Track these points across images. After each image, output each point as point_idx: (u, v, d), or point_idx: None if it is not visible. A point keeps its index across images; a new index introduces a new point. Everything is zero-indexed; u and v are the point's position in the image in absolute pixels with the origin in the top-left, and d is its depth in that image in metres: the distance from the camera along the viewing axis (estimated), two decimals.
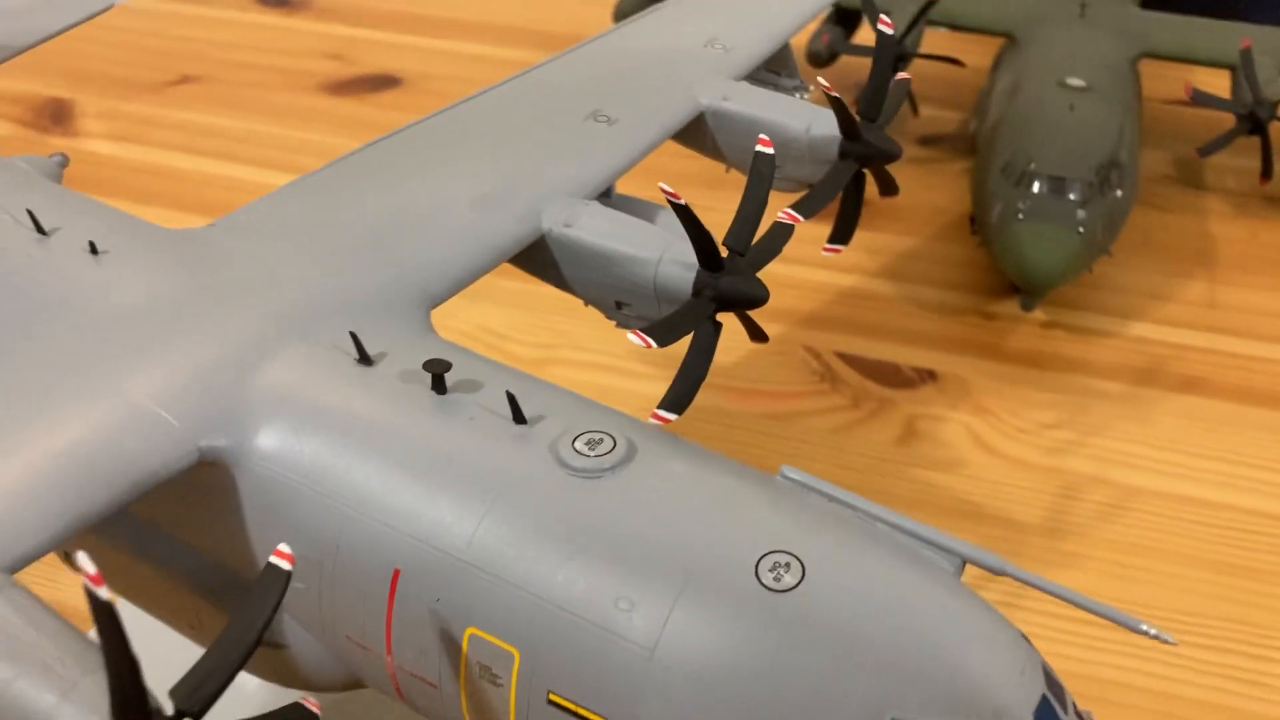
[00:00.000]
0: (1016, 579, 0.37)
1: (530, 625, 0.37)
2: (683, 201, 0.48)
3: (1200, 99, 1.06)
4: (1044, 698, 0.35)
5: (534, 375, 0.46)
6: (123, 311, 0.47)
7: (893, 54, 0.62)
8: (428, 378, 0.42)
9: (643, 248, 0.54)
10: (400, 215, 0.54)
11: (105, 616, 0.30)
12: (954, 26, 1.18)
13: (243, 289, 0.48)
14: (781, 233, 0.55)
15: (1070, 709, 0.36)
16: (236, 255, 0.51)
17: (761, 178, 0.53)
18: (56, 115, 1.24)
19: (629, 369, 0.88)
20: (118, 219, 0.54)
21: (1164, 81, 1.31)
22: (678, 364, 0.50)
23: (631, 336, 0.49)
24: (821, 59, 1.19)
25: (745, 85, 0.66)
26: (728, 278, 0.51)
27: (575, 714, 0.36)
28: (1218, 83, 1.16)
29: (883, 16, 0.61)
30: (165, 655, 0.37)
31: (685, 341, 0.50)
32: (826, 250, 0.63)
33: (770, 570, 0.35)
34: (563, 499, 0.38)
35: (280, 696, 0.37)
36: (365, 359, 0.44)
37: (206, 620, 0.46)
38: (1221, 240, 1.08)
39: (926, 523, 0.70)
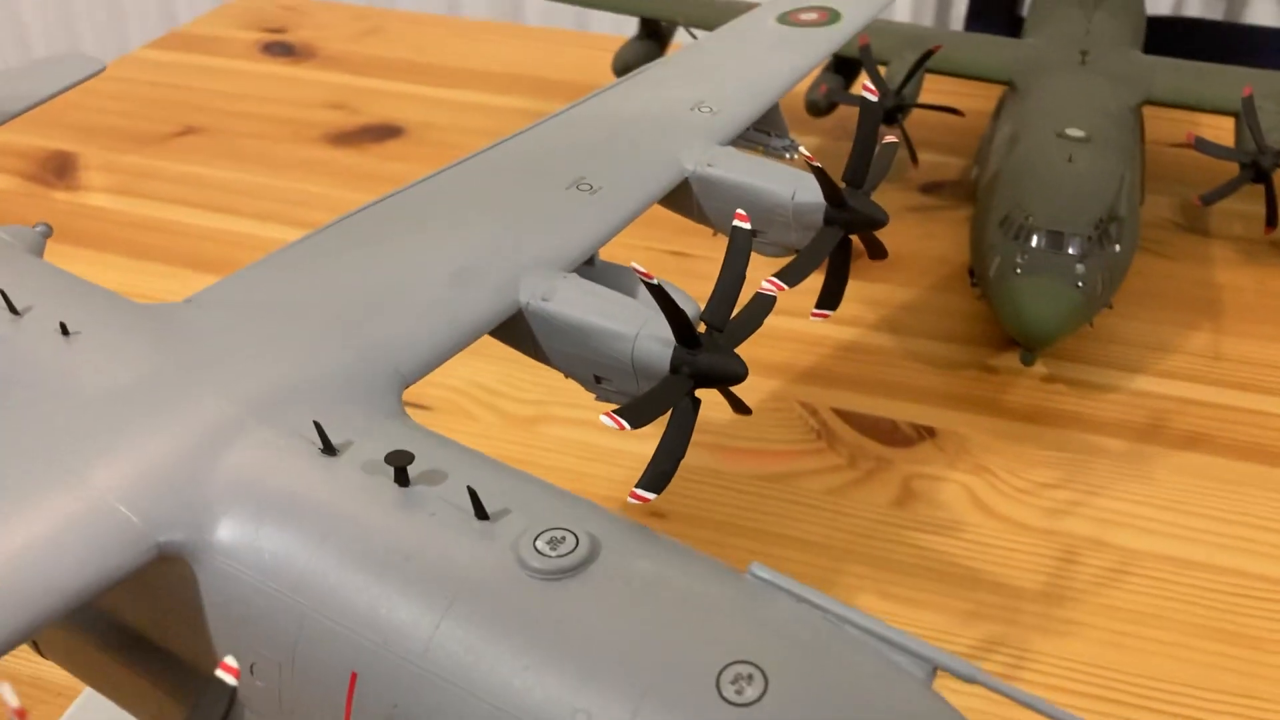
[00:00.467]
0: (988, 687, 0.36)
1: None
2: (655, 281, 0.48)
3: (1203, 147, 1.05)
4: None
5: (501, 462, 0.45)
6: (90, 397, 0.46)
7: (878, 120, 0.61)
8: (391, 469, 0.42)
9: (620, 322, 0.53)
10: (374, 291, 0.54)
11: None
12: (954, 75, 1.18)
13: (210, 373, 0.47)
14: (763, 304, 0.54)
15: None
16: (207, 336, 0.50)
17: (739, 252, 0.52)
18: (60, 169, 1.25)
19: None
20: (92, 296, 0.54)
21: (1169, 123, 1.30)
22: None
23: (604, 419, 0.48)
24: (820, 109, 1.18)
25: (730, 150, 0.66)
26: (705, 355, 0.50)
27: None
28: (1224, 125, 1.15)
29: (866, 84, 0.61)
30: None
31: None
32: (814, 315, 0.62)
33: (732, 682, 0.34)
34: (521, 602, 0.37)
35: None
36: (329, 449, 0.43)
37: (169, 715, 0.45)
38: (1227, 289, 1.07)
39: (920, 586, 0.69)
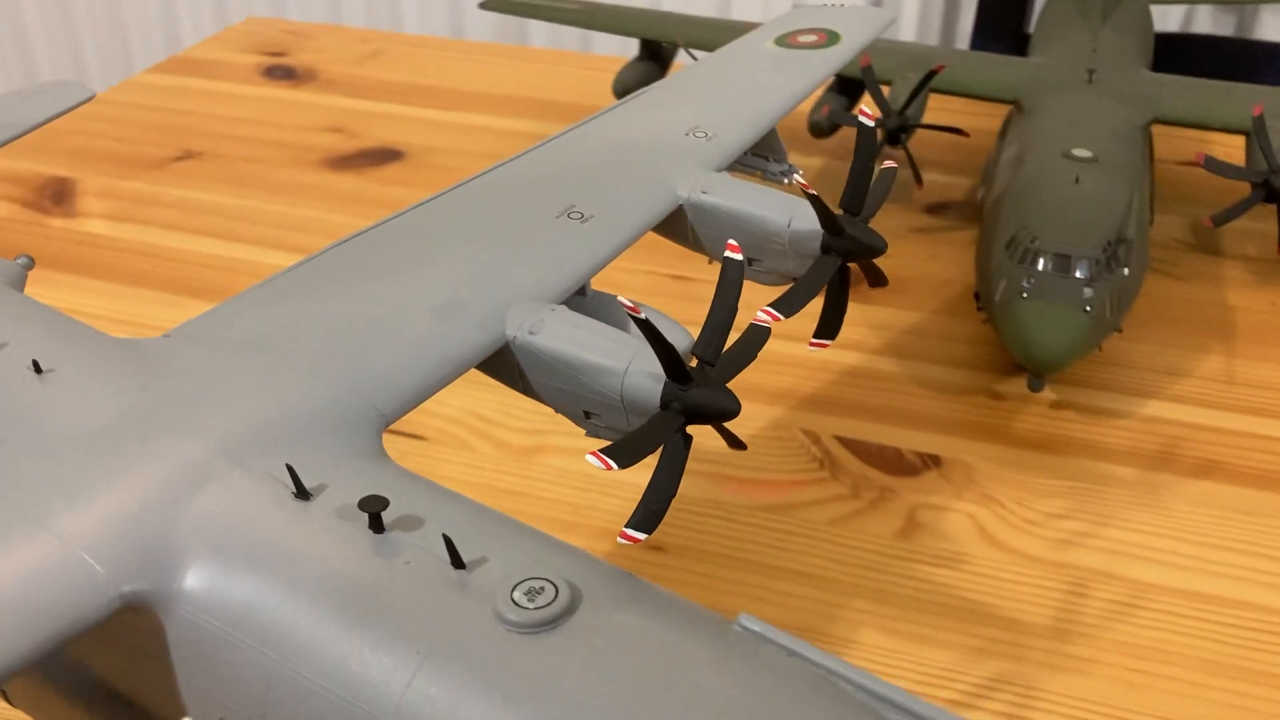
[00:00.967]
0: None
1: None
2: (643, 316, 0.46)
3: (1213, 167, 1.03)
4: None
5: (481, 505, 0.43)
6: (59, 439, 0.45)
7: (873, 144, 0.60)
8: (365, 515, 0.40)
9: (609, 357, 0.51)
10: (356, 325, 0.52)
11: None
12: (958, 94, 1.16)
13: (183, 413, 0.46)
14: (758, 336, 0.53)
15: None
16: (183, 373, 0.49)
17: (730, 284, 0.51)
18: (57, 195, 1.24)
19: None
20: (69, 331, 0.53)
21: (1179, 141, 1.28)
22: None
23: (590, 458, 0.46)
24: (823, 130, 1.17)
25: (725, 177, 0.64)
26: (696, 390, 0.49)
27: None
28: (1236, 143, 1.14)
29: (863, 108, 0.59)
30: None
31: None
32: (813, 345, 0.61)
33: None
34: (497, 657, 0.36)
35: None
36: (302, 493, 0.42)
37: None
38: (1240, 310, 1.05)
39: (924, 621, 0.67)
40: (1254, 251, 1.14)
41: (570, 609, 0.37)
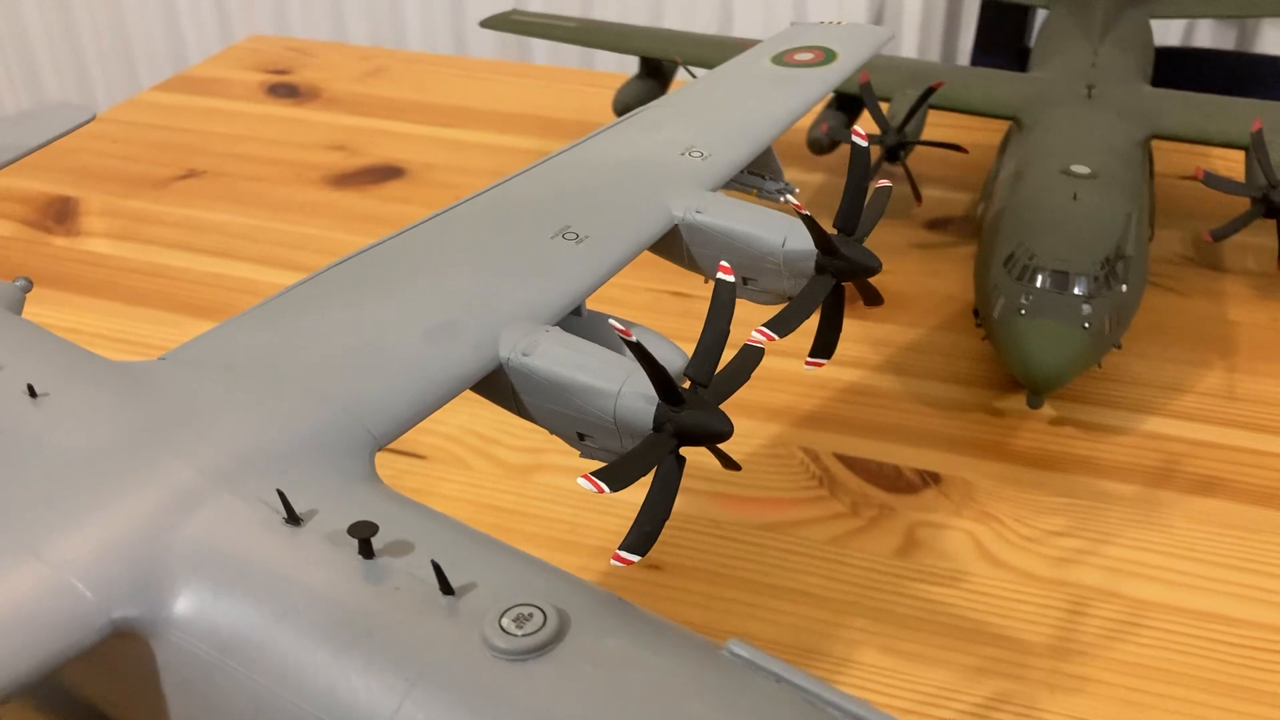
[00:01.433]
0: None
1: None
2: (635, 339, 0.46)
3: (1212, 182, 1.03)
4: None
5: (472, 529, 0.43)
6: (52, 463, 0.45)
7: (867, 163, 0.60)
8: (355, 541, 0.40)
9: (602, 378, 0.51)
10: (349, 348, 0.52)
11: None
12: (958, 111, 1.16)
13: (175, 437, 0.46)
14: (751, 356, 0.53)
15: None
16: (176, 397, 0.49)
17: (722, 305, 0.51)
18: (60, 214, 1.25)
19: None
20: (64, 356, 0.53)
21: (1180, 155, 1.28)
22: None
23: (582, 481, 0.46)
24: (822, 147, 1.17)
25: (720, 196, 0.65)
26: (689, 412, 0.49)
27: None
28: (1236, 157, 1.13)
29: (856, 128, 0.59)
30: None
31: None
32: (809, 364, 0.61)
33: None
34: (485, 684, 0.36)
35: None
36: (292, 518, 0.42)
37: None
38: (1241, 325, 1.04)
39: (924, 640, 0.67)
40: (1254, 266, 1.14)
41: (558, 635, 0.37)
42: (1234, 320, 1.05)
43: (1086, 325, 0.85)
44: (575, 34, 1.33)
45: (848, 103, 1.20)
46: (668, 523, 0.47)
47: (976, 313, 0.95)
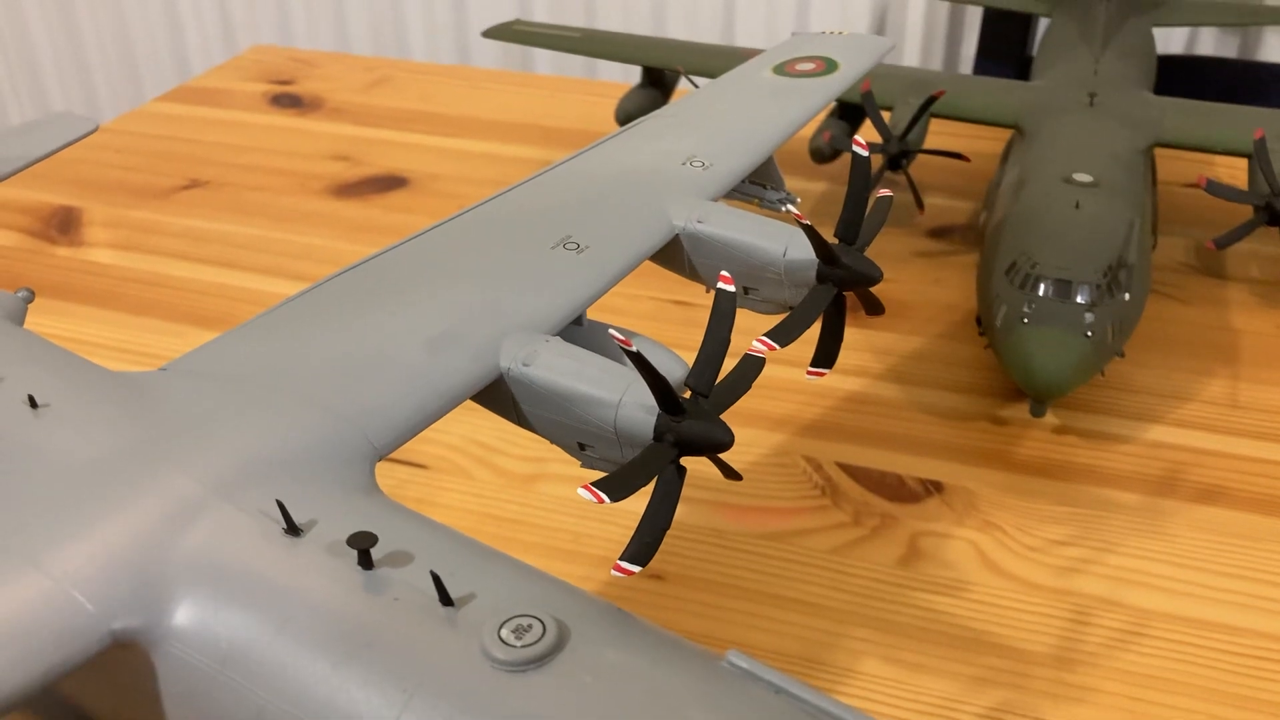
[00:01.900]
0: None
1: None
2: (635, 349, 0.46)
3: (1215, 190, 1.02)
4: None
5: (471, 539, 0.43)
6: (52, 475, 0.45)
7: (868, 173, 0.60)
8: (355, 552, 0.40)
9: (603, 388, 0.51)
10: (350, 358, 0.53)
11: None
12: (959, 119, 1.16)
13: (175, 448, 0.46)
14: (752, 366, 0.53)
15: None
16: (176, 408, 0.49)
17: (722, 315, 0.51)
18: (64, 224, 1.25)
19: None
20: (66, 367, 0.53)
21: (1183, 163, 1.28)
22: None
23: (582, 491, 0.46)
24: (824, 155, 1.17)
25: (720, 206, 0.65)
26: (689, 422, 0.49)
27: None
28: (1240, 164, 1.13)
29: (857, 138, 0.59)
30: None
31: None
32: (810, 374, 0.61)
33: None
34: (484, 696, 0.36)
35: None
36: (292, 528, 0.42)
37: None
38: (1245, 334, 1.04)
39: (926, 650, 0.66)
40: (1258, 273, 1.14)
41: (558, 646, 0.37)
42: (1237, 328, 1.05)
43: (1089, 334, 0.85)
44: (577, 44, 1.33)
45: (850, 111, 1.20)
46: (669, 532, 0.47)
47: (979, 321, 0.95)
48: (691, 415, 0.49)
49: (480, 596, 0.39)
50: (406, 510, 0.45)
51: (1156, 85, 1.27)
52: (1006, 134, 1.18)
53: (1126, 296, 0.88)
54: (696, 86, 0.86)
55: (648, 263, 0.64)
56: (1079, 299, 0.86)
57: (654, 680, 0.36)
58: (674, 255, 0.65)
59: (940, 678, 0.70)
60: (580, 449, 0.54)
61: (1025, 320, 0.86)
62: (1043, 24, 1.57)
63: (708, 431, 0.49)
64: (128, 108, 2.00)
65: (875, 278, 0.59)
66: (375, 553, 0.40)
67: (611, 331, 0.48)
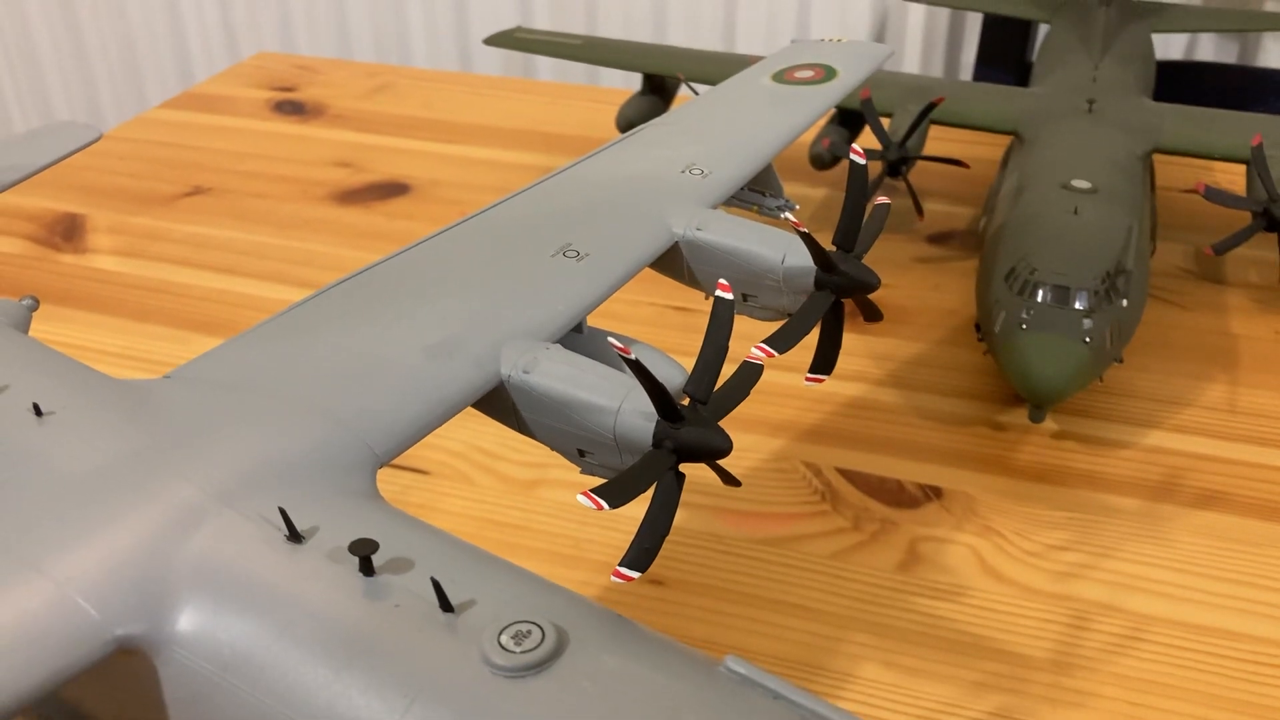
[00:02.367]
0: None
1: None
2: (633, 356, 0.47)
3: (1213, 196, 1.03)
4: None
5: (472, 546, 0.44)
6: (56, 482, 0.46)
7: (865, 180, 0.60)
8: (356, 558, 0.40)
9: (602, 395, 0.52)
10: (351, 365, 0.53)
11: None
12: (959, 126, 1.17)
13: (178, 456, 0.46)
14: (751, 373, 0.53)
15: None
16: (179, 416, 0.49)
17: (721, 323, 0.51)
18: (68, 231, 1.26)
19: None
20: (71, 374, 0.53)
21: (1182, 168, 1.28)
22: None
23: (581, 498, 0.47)
24: (824, 162, 1.18)
25: (719, 214, 0.65)
26: (688, 429, 0.49)
27: None
28: (1239, 170, 1.14)
29: (855, 146, 0.60)
30: None
31: None
32: (809, 380, 0.61)
33: None
34: (484, 702, 0.36)
35: None
36: (294, 535, 0.42)
37: None
38: (1243, 339, 1.05)
39: (924, 655, 0.67)
40: (1256, 279, 1.14)
41: (557, 652, 0.37)
42: (1236, 333, 1.05)
43: (1088, 339, 0.85)
44: (578, 51, 1.33)
45: (850, 118, 1.21)
46: (669, 538, 0.48)
47: (978, 327, 0.95)
48: (690, 422, 0.49)
49: (480, 603, 0.39)
50: (407, 517, 0.45)
51: (1155, 91, 1.27)
52: (1006, 140, 1.19)
53: (1125, 302, 0.88)
54: (697, 93, 0.86)
55: (647, 269, 0.64)
56: (1078, 305, 0.86)
57: (652, 686, 0.36)
58: (673, 262, 0.65)
59: (939, 683, 0.70)
60: (580, 455, 0.55)
61: (1024, 326, 0.86)
62: (1042, 30, 1.57)
63: (706, 438, 0.49)
64: (131, 114, 2.01)
65: (873, 285, 0.60)
66: (376, 559, 0.41)
67: (610, 339, 0.49)
